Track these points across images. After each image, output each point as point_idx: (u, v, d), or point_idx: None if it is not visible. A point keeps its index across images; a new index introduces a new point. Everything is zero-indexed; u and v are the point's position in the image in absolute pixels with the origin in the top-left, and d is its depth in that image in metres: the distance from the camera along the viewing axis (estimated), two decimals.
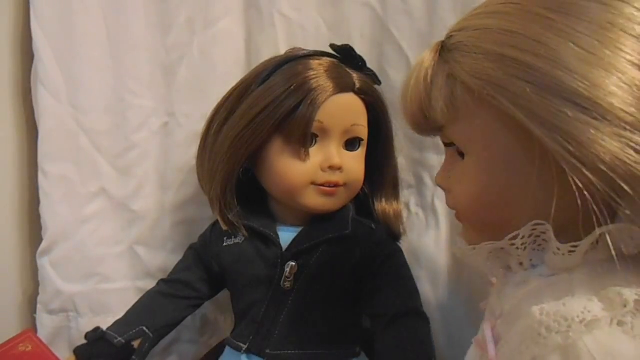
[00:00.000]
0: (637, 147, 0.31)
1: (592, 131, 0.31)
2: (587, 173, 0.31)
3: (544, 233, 0.37)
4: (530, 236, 0.37)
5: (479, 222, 0.41)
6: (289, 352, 0.59)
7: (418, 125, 0.42)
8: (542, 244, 0.37)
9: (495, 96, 0.35)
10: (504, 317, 0.40)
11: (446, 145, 0.43)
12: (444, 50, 0.40)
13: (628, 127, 0.31)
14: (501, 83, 0.34)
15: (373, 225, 0.62)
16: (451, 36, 0.40)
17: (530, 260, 0.39)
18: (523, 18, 0.35)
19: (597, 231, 0.33)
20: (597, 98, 0.31)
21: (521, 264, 0.39)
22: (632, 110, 0.31)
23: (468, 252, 0.42)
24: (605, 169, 0.31)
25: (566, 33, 0.33)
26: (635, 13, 0.33)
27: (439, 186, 0.44)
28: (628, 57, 0.32)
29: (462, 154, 0.40)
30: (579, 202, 0.32)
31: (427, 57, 0.40)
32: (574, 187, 0.32)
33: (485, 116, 0.37)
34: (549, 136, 0.32)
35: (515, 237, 0.37)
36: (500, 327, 0.40)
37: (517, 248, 0.38)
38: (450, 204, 0.43)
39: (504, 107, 0.34)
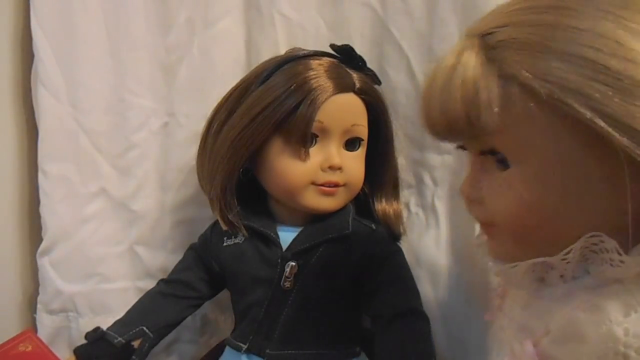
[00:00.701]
0: None
1: None
2: None
3: (595, 245, 0.34)
4: (581, 248, 0.35)
5: (523, 237, 0.37)
6: (289, 352, 0.59)
7: (455, 133, 0.37)
8: (588, 255, 0.35)
9: (566, 100, 0.31)
10: (552, 336, 0.36)
11: (480, 153, 0.38)
12: (487, 48, 0.35)
13: None
14: (576, 87, 0.31)
15: (373, 226, 0.62)
16: (492, 32, 0.35)
17: (572, 272, 0.36)
18: (591, 14, 0.32)
19: None
20: None
21: (561, 276, 0.36)
22: None
23: (508, 270, 0.39)
24: None
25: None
26: None
27: (466, 198, 0.40)
28: None
29: (503, 162, 0.36)
30: None
31: (469, 56, 0.35)
32: None
33: (546, 122, 0.33)
34: (634, 143, 0.30)
35: (568, 252, 0.35)
36: (550, 346, 0.36)
37: (568, 262, 0.35)
38: (483, 217, 0.39)
39: (577, 112, 0.31)
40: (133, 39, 0.69)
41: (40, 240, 0.70)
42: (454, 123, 0.36)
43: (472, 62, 0.35)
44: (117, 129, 0.70)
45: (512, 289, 0.42)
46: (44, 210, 0.69)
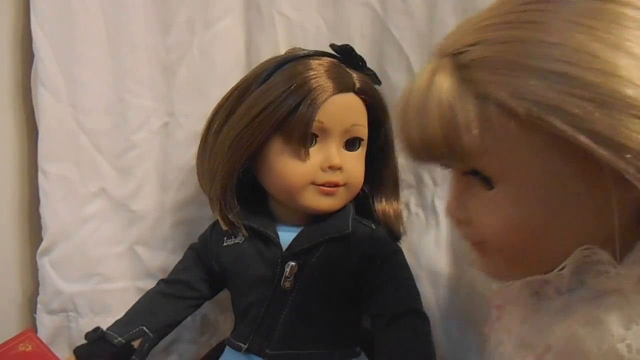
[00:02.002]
0: None
1: None
2: None
3: (588, 257, 0.33)
4: (576, 261, 0.34)
5: (513, 255, 0.37)
6: (289, 352, 0.59)
7: (436, 154, 0.36)
8: (582, 267, 0.34)
9: (546, 118, 0.30)
10: (554, 353, 0.35)
11: (463, 173, 0.38)
12: (460, 68, 0.34)
13: None
14: (554, 103, 0.30)
15: (373, 225, 0.62)
16: (464, 51, 0.34)
17: (567, 284, 0.35)
18: (562, 27, 0.31)
19: None
20: None
21: (557, 288, 0.36)
22: None
23: (504, 289, 0.39)
24: None
25: (614, 42, 0.30)
26: None
27: (453, 219, 0.40)
28: None
29: (487, 181, 0.36)
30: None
31: (442, 79, 0.34)
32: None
33: (527, 140, 0.32)
34: (618, 157, 0.29)
35: (562, 268, 0.34)
36: None
37: (564, 277, 0.35)
38: (472, 237, 0.39)
39: (556, 129, 0.30)
40: (133, 39, 0.69)
41: (40, 240, 0.70)
42: (432, 146, 0.35)
43: (446, 83, 0.34)
44: (117, 129, 0.70)
45: (510, 305, 0.41)
46: (44, 210, 0.69)
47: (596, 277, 0.34)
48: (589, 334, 0.33)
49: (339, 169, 0.59)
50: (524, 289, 0.38)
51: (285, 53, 0.64)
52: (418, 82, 0.36)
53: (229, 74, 0.69)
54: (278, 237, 0.61)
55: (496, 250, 0.38)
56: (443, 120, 0.34)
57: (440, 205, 0.68)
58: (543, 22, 0.32)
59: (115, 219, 0.71)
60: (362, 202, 0.64)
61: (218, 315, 0.75)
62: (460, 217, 0.39)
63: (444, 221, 0.68)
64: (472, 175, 0.37)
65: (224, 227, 0.62)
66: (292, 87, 0.56)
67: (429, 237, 0.68)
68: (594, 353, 0.32)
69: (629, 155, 0.29)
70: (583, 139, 0.30)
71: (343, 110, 0.59)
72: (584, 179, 0.32)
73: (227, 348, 0.63)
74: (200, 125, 0.64)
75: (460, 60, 0.34)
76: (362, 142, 0.61)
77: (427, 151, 0.36)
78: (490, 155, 0.34)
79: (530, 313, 0.38)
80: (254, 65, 0.66)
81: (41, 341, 0.62)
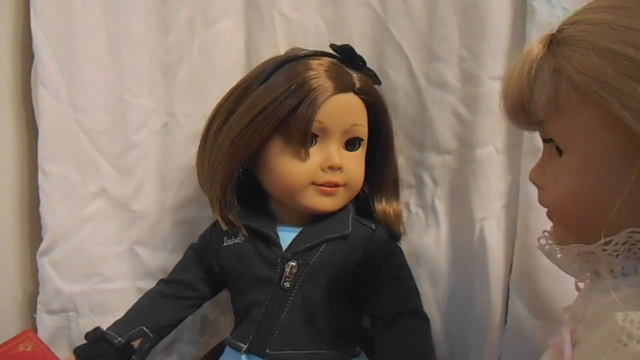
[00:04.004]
0: None
1: None
2: None
3: (631, 237, 0.35)
4: (624, 243, 0.36)
5: (570, 222, 0.40)
6: (289, 352, 0.59)
7: (517, 117, 0.41)
8: (638, 252, 0.36)
9: (602, 94, 0.33)
10: (585, 322, 0.39)
11: (544, 140, 0.42)
12: (553, 43, 0.38)
13: None
14: (610, 80, 0.33)
15: (373, 226, 0.62)
16: (562, 29, 0.38)
17: (622, 268, 0.37)
18: None
19: None
20: None
21: (612, 271, 0.38)
22: None
23: (554, 251, 0.41)
24: None
25: None
26: None
27: (532, 182, 0.43)
28: None
29: (560, 151, 0.39)
30: None
31: (535, 49, 0.39)
32: None
33: (588, 114, 0.36)
34: None
35: (608, 243, 0.36)
36: (580, 331, 0.39)
37: (609, 254, 0.37)
38: (542, 202, 0.42)
39: (610, 105, 0.33)
40: (133, 39, 0.69)
41: (40, 240, 0.70)
42: (514, 109, 0.40)
43: (535, 53, 0.38)
44: (117, 129, 0.70)
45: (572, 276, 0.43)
46: (44, 210, 0.69)
47: None
48: (610, 307, 0.35)
49: (339, 169, 0.59)
50: (583, 264, 0.40)
51: (285, 53, 0.64)
52: (526, 50, 0.40)
53: (229, 74, 0.69)
54: (278, 237, 0.61)
55: (555, 217, 0.41)
56: (522, 87, 0.39)
57: (440, 205, 0.68)
58: (627, 7, 0.35)
59: (115, 219, 0.71)
60: (362, 202, 0.64)
61: (218, 315, 0.75)
62: (536, 182, 0.43)
63: (444, 221, 0.68)
64: (552, 143, 0.40)
65: (224, 227, 0.62)
66: (292, 87, 0.56)
67: (429, 237, 0.68)
68: (603, 322, 0.34)
69: None
70: (627, 116, 0.32)
71: (343, 110, 0.59)
72: (633, 161, 0.34)
73: (227, 348, 0.63)
74: (200, 125, 0.64)
75: (557, 36, 0.38)
76: (362, 142, 0.61)
77: (514, 116, 0.41)
78: (557, 123, 0.38)
79: (587, 291, 0.41)
80: (254, 65, 0.66)
81: (41, 341, 0.62)
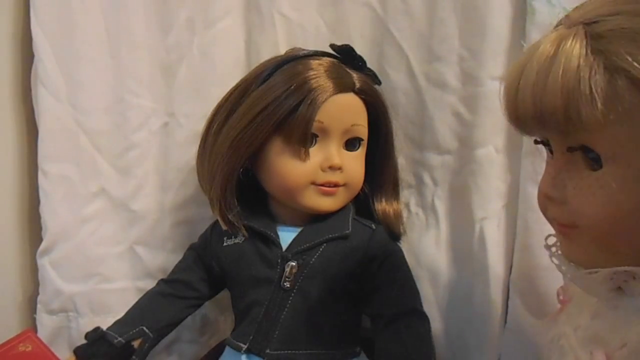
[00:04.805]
0: None
1: None
2: None
3: None
4: None
5: (609, 241, 0.35)
6: (289, 352, 0.59)
7: (549, 126, 0.35)
8: None
9: None
10: (629, 350, 0.35)
11: (569, 150, 0.36)
12: (593, 37, 0.33)
13: None
14: None
15: (373, 226, 0.62)
16: (598, 21, 0.33)
17: None
18: None
19: None
20: None
21: None
22: None
23: (586, 276, 0.37)
24: None
25: None
26: None
27: (544, 197, 0.38)
28: None
29: (595, 161, 0.34)
30: None
31: (572, 47, 0.33)
32: None
33: None
34: None
35: None
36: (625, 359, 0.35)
37: None
38: (563, 218, 0.37)
39: None
40: (133, 39, 0.69)
41: (40, 240, 0.70)
42: (548, 116, 0.34)
43: (575, 51, 0.33)
44: (117, 129, 0.70)
45: (584, 295, 0.40)
46: (44, 210, 0.69)
47: None
48: None
49: (339, 169, 0.59)
50: (606, 282, 0.36)
51: (285, 53, 0.64)
52: (540, 50, 0.34)
53: (229, 74, 0.69)
54: (278, 237, 0.61)
55: (589, 235, 0.36)
56: (565, 89, 0.33)
57: (441, 205, 0.68)
58: None
59: (115, 219, 0.71)
60: (362, 202, 0.64)
61: (218, 315, 0.75)
62: (554, 196, 0.37)
63: (444, 221, 0.68)
64: (580, 153, 0.35)
65: (224, 227, 0.62)
66: (292, 87, 0.56)
67: (429, 237, 0.68)
68: None
69: None
70: None
71: (343, 110, 0.59)
72: None
73: (227, 348, 0.63)
74: (200, 125, 0.64)
75: (594, 29, 0.33)
76: (362, 142, 0.61)
77: (540, 120, 0.35)
78: (609, 132, 0.33)
79: (604, 309, 0.37)
80: (254, 65, 0.66)
81: (41, 341, 0.62)
